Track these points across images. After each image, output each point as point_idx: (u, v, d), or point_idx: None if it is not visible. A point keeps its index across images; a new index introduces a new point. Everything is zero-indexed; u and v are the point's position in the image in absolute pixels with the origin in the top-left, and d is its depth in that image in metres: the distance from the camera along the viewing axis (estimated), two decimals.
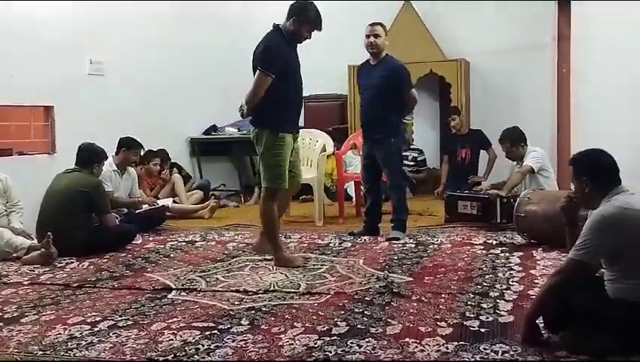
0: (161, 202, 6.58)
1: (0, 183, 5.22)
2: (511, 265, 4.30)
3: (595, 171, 2.86)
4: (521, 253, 4.60)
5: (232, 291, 3.85)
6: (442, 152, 7.88)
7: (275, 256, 4.52)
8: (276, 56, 4.37)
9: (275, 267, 4.42)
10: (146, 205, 6.20)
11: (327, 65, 7.93)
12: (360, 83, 5.59)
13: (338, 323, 3.19)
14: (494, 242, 5.00)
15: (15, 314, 3.54)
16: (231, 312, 3.42)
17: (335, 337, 2.99)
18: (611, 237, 2.65)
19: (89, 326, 3.27)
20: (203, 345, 2.94)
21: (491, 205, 5.50)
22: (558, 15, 7.73)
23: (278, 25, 4.51)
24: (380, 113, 5.31)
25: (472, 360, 2.66)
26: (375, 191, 5.53)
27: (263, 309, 3.46)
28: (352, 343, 2.90)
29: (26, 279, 4.36)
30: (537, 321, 2.82)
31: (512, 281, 3.86)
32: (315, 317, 3.29)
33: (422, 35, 8.00)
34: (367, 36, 5.31)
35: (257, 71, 4.36)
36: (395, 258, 4.61)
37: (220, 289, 3.92)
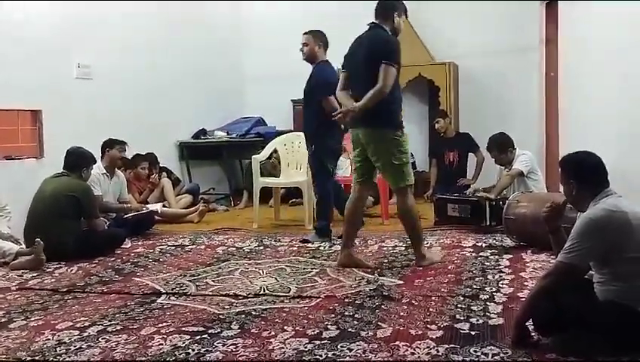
0: (150, 206, 6.55)
1: None
2: (500, 267, 4.31)
3: (584, 173, 2.87)
4: (511, 256, 4.62)
5: (222, 295, 3.84)
6: (431, 156, 7.89)
7: (419, 256, 4.45)
8: (399, 51, 4.30)
9: (264, 271, 4.42)
10: (135, 210, 6.16)
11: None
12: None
13: (328, 326, 3.18)
14: (484, 245, 5.02)
15: (3, 320, 3.52)
16: (221, 316, 3.41)
17: (325, 341, 2.99)
18: (600, 240, 2.66)
19: (78, 332, 3.25)
20: (193, 350, 2.93)
21: (480, 208, 5.52)
22: (545, 17, 7.78)
23: (375, 23, 4.40)
24: (306, 119, 5.63)
25: None
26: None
27: (253, 313, 3.45)
28: (342, 347, 2.90)
29: (14, 284, 4.33)
30: (527, 323, 2.83)
31: (502, 284, 3.87)
32: (305, 321, 3.29)
33: (410, 38, 8.00)
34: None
35: (384, 65, 4.17)
36: (385, 261, 4.62)
37: (210, 293, 3.91)
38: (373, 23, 4.41)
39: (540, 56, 7.87)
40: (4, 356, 2.96)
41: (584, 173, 2.87)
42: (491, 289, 3.75)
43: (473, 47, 8.09)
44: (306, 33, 5.59)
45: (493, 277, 4.02)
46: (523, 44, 7.94)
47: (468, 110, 8.09)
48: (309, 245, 5.29)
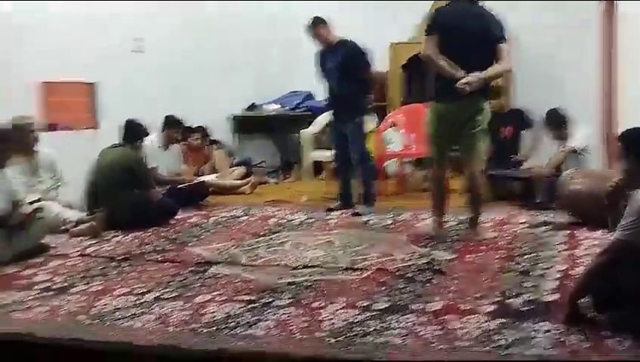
0: (203, 178, 6.65)
1: (47, 157, 5.33)
2: (554, 244, 4.24)
3: None
4: (565, 232, 4.54)
5: (273, 266, 3.89)
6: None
7: (475, 229, 4.51)
8: None
9: (315, 243, 4.45)
10: (188, 182, 6.27)
11: (366, 44, 7.87)
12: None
13: (379, 299, 3.20)
14: (537, 221, 4.94)
15: (64, 284, 3.64)
16: (272, 286, 3.46)
17: (375, 313, 3.00)
18: None
19: (135, 298, 3.34)
20: (245, 318, 2.99)
21: (534, 184, 5.44)
22: None
23: None
24: (350, 94, 5.62)
25: (514, 337, 2.65)
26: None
27: (304, 284, 3.48)
28: (391, 319, 2.91)
29: (74, 251, 4.46)
30: (582, 300, 2.80)
31: (555, 260, 3.82)
32: (355, 293, 3.31)
33: None
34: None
35: (505, 45, 4.27)
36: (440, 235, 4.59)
37: (262, 263, 3.97)
38: None
39: (597, 31, 7.63)
40: (65, 319, 3.06)
41: None
42: (544, 265, 3.71)
43: (528, 22, 7.88)
44: (310, 27, 5.70)
45: (546, 254, 3.97)
46: (580, 18, 7.71)
47: (522, 86, 7.92)
48: (360, 218, 5.29)
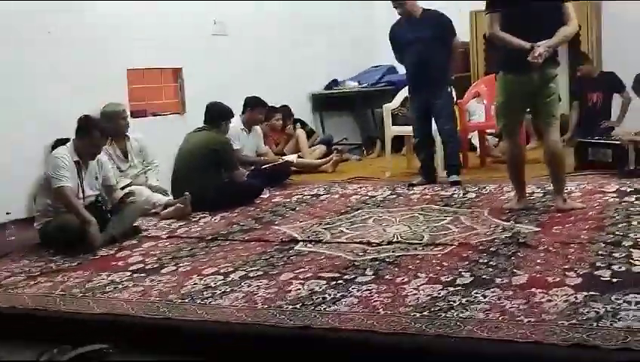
0: (286, 158, 6.75)
1: (137, 143, 5.53)
2: None
3: None
4: None
5: (356, 243, 3.92)
6: (572, 97, 7.51)
7: (561, 200, 4.39)
8: None
9: (397, 219, 4.46)
10: (272, 162, 6.37)
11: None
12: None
13: (462, 273, 3.18)
14: (628, 189, 4.75)
15: (155, 266, 3.80)
16: (355, 263, 3.50)
17: (459, 287, 2.99)
18: None
19: (222, 277, 3.45)
20: (329, 294, 3.04)
21: (625, 151, 5.24)
22: None
23: None
24: (439, 64, 5.62)
25: (603, 310, 2.58)
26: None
27: (387, 260, 3.50)
28: (476, 293, 2.89)
29: (164, 233, 4.63)
30: None
31: None
32: (438, 268, 3.30)
33: None
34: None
35: (568, 4, 4.22)
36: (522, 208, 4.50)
37: (345, 240, 4.01)
38: None
39: None
40: (158, 298, 3.20)
41: None
42: (635, 235, 3.57)
43: None
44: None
45: (638, 223, 3.83)
46: None
47: (612, 48, 7.58)
48: (443, 192, 5.25)
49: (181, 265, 3.77)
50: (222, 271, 3.56)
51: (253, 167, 6.15)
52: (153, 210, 5.22)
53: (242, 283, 3.31)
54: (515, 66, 4.22)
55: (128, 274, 3.68)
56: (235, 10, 6.90)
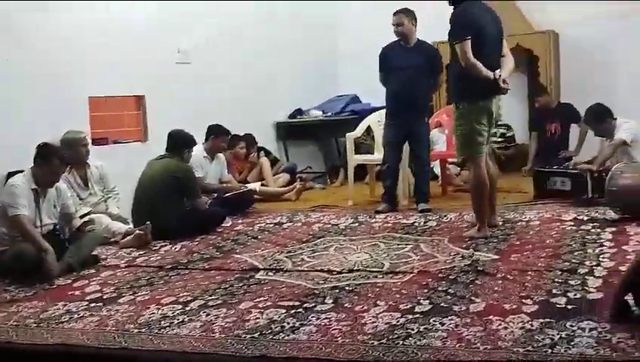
0: (249, 186, 6.73)
1: (97, 170, 5.47)
2: (602, 240, 4.16)
3: None
4: (614, 229, 4.44)
5: (317, 271, 3.92)
6: (531, 128, 7.66)
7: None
8: None
9: (359, 247, 4.47)
10: (235, 190, 6.35)
11: None
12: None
13: (421, 301, 3.19)
14: (585, 218, 4.85)
15: (113, 295, 3.74)
16: (315, 291, 3.49)
17: (418, 315, 3.00)
18: None
19: (181, 306, 3.41)
20: (288, 323, 3.02)
21: (582, 180, 5.34)
22: None
23: None
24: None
25: (558, 337, 2.61)
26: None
27: (347, 288, 3.50)
28: (434, 321, 2.90)
29: (123, 262, 4.58)
30: (627, 298, 2.74)
31: (603, 257, 3.74)
32: (398, 296, 3.31)
33: (508, 8, 7.76)
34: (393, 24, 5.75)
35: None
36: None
37: (306, 269, 4.00)
38: None
39: None
40: (114, 328, 3.15)
41: None
42: (591, 263, 3.64)
43: (575, 13, 7.73)
44: (397, 13, 5.73)
45: (594, 251, 3.90)
46: (628, 7, 7.52)
47: (570, 79, 7.78)
48: (404, 220, 5.28)
49: (139, 294, 3.71)
50: (181, 300, 3.52)
51: (215, 195, 6.12)
52: (113, 239, 5.15)
53: (201, 313, 3.28)
54: (483, 95, 4.41)
55: (85, 303, 3.61)
56: (198, 38, 6.92)
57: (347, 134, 6.68)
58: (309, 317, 3.08)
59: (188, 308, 3.37)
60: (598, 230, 4.46)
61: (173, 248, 4.90)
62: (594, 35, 7.71)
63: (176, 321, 3.18)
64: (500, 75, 4.34)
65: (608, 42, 7.65)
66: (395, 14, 5.74)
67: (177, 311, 3.33)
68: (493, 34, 4.45)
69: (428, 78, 5.83)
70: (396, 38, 5.81)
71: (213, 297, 3.52)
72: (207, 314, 3.24)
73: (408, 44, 5.78)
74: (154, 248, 4.93)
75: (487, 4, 4.60)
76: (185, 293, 3.64)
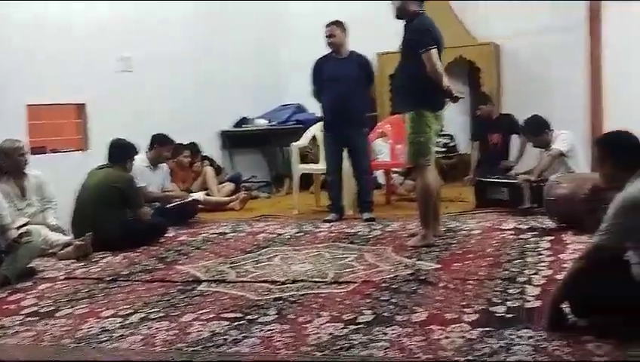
0: (193, 195, 6.65)
1: (35, 180, 5.33)
2: (540, 249, 4.26)
3: (620, 152, 2.82)
4: (551, 238, 4.56)
5: (260, 282, 3.89)
6: (473, 138, 7.80)
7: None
8: None
9: (303, 257, 4.47)
10: (178, 199, 6.28)
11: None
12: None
13: (364, 311, 3.21)
14: (524, 227, 4.96)
15: (50, 309, 3.64)
16: (259, 303, 3.47)
17: (361, 325, 3.01)
18: (634, 219, 2.60)
19: (121, 319, 3.34)
20: (231, 336, 2.99)
21: (521, 190, 5.47)
22: None
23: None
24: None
25: (497, 345, 2.65)
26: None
27: (291, 299, 3.49)
28: (377, 331, 2.92)
29: (61, 274, 4.46)
30: (563, 306, 2.81)
31: (541, 266, 3.83)
32: (341, 306, 3.32)
33: (450, 20, 7.91)
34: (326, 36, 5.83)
35: None
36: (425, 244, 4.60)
37: (249, 280, 3.97)
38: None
39: (584, 35, 7.67)
40: (51, 343, 3.07)
41: (620, 152, 2.82)
42: (530, 271, 3.72)
43: (515, 27, 7.91)
44: (330, 24, 5.82)
45: (533, 260, 3.99)
46: (566, 22, 7.74)
47: (510, 91, 7.96)
48: (348, 230, 5.32)
49: (78, 307, 3.62)
50: (121, 313, 3.45)
51: (158, 205, 6.03)
52: (51, 250, 5.02)
53: (141, 326, 3.22)
54: (441, 104, 4.61)
55: (20, 317, 3.50)
56: (141, 46, 6.83)
57: (292, 144, 6.69)
58: (252, 329, 3.06)
59: (128, 321, 3.30)
60: (537, 239, 4.57)
61: (114, 259, 4.80)
62: (532, 48, 7.92)
63: (115, 335, 3.11)
64: (448, 85, 4.47)
65: (545, 55, 7.87)
66: (327, 25, 5.82)
67: (117, 325, 3.26)
68: (442, 46, 4.59)
69: (363, 88, 5.90)
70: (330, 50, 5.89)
71: (154, 309, 3.46)
72: (149, 327, 3.18)
73: (340, 55, 5.85)
74: (94, 259, 4.82)
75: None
76: (125, 306, 3.57)
